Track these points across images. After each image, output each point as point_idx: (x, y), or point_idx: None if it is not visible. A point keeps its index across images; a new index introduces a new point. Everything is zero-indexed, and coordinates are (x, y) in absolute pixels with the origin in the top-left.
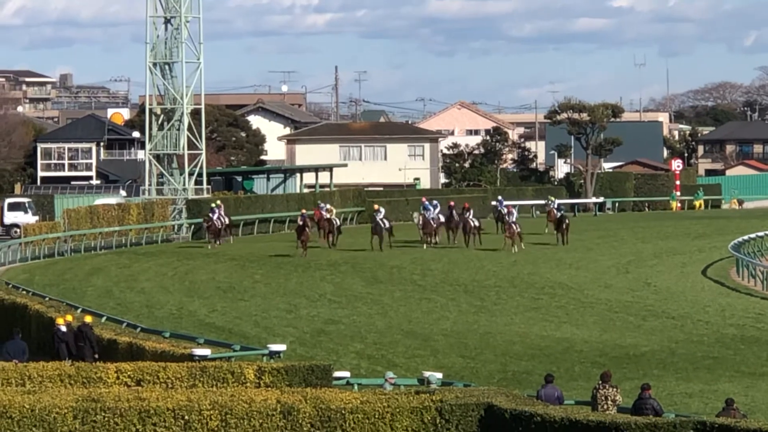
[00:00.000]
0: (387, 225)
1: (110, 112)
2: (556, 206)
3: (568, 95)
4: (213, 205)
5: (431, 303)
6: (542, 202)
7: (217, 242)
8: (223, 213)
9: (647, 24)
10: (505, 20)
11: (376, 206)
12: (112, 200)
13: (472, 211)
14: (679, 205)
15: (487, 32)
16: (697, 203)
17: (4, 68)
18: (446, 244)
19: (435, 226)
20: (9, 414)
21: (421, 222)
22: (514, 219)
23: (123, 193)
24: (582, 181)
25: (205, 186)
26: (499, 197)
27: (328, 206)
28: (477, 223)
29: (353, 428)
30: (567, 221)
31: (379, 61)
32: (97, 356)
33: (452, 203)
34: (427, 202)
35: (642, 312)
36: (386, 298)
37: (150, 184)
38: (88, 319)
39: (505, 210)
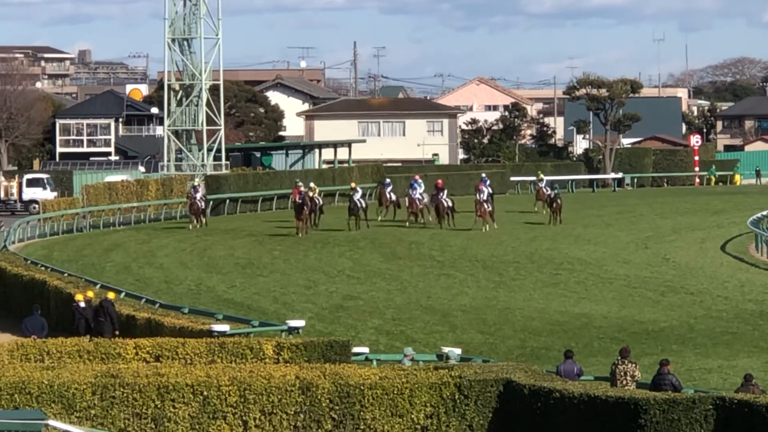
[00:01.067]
0: (363, 205)
1: (129, 88)
2: (545, 184)
3: (587, 71)
4: (195, 183)
5: (450, 279)
6: (563, 177)
7: (198, 223)
8: (202, 195)
9: None
10: None
11: (353, 185)
12: (120, 177)
13: (446, 191)
14: (698, 180)
15: (506, 7)
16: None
17: (23, 44)
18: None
19: (420, 205)
20: (28, 389)
21: (407, 200)
22: (485, 197)
23: (142, 169)
24: (601, 156)
25: (223, 162)
26: (483, 175)
27: (312, 184)
28: (450, 203)
29: (372, 404)
30: (560, 200)
31: (398, 36)
32: (117, 332)
33: (439, 182)
34: (414, 181)
35: (661, 287)
36: (405, 273)
37: (169, 160)
38: (111, 295)
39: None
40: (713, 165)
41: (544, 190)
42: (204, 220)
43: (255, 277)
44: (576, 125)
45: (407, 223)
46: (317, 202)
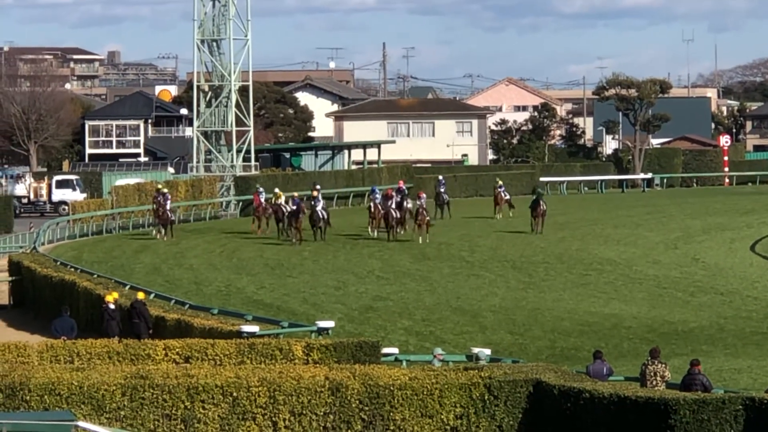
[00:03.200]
0: (325, 216)
1: (158, 89)
2: (503, 189)
3: (617, 71)
4: (161, 188)
5: (479, 279)
6: (592, 178)
7: (166, 234)
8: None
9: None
10: None
11: (315, 193)
12: (132, 180)
13: (394, 200)
14: (728, 180)
15: (536, 8)
16: None
17: (53, 45)
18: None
19: (398, 216)
20: (57, 391)
21: (374, 209)
22: (425, 205)
23: (171, 170)
24: (630, 157)
25: (253, 163)
26: (440, 177)
27: (276, 190)
28: (398, 215)
29: (402, 405)
30: (544, 206)
31: (427, 37)
32: (151, 332)
33: (400, 183)
34: (396, 189)
35: (690, 288)
36: (434, 274)
37: (198, 161)
38: (141, 295)
39: (444, 192)
40: None
41: (502, 195)
42: (171, 233)
43: (284, 278)
44: (605, 125)
45: (388, 236)
46: (284, 210)
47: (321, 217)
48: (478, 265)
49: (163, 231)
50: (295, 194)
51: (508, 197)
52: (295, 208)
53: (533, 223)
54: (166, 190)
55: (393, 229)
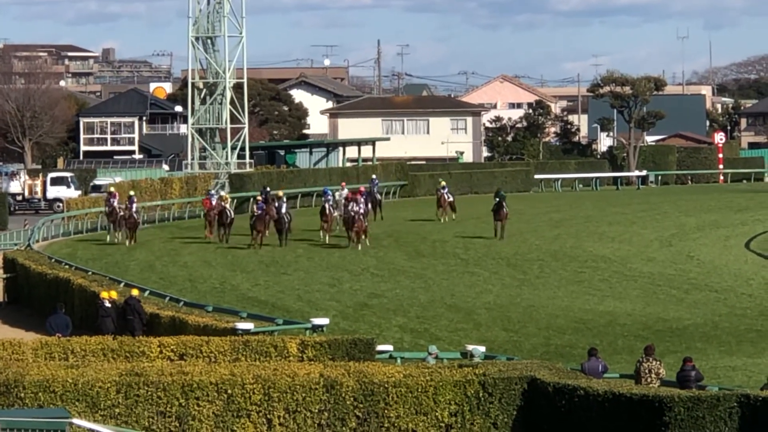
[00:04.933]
0: (289, 218)
1: (153, 86)
2: (446, 191)
3: (611, 68)
4: (111, 189)
5: (474, 276)
6: (587, 175)
7: (129, 237)
8: (117, 203)
9: None
10: None
11: (280, 193)
12: (107, 180)
13: (361, 203)
14: (722, 178)
15: (532, 5)
16: None
17: (48, 42)
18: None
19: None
20: (52, 388)
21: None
22: (362, 210)
23: (166, 167)
24: (625, 154)
25: (247, 160)
26: (373, 176)
27: (223, 194)
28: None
29: (396, 402)
30: (506, 210)
31: (423, 34)
32: (145, 328)
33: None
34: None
35: (685, 285)
36: (429, 271)
37: (192, 159)
38: (135, 292)
39: (377, 192)
40: None
41: (446, 197)
42: (135, 237)
43: (279, 275)
44: (600, 123)
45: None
46: (229, 215)
47: (285, 220)
48: (473, 262)
49: (128, 234)
50: (259, 198)
51: (451, 199)
52: (260, 212)
53: (496, 228)
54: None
55: (357, 235)
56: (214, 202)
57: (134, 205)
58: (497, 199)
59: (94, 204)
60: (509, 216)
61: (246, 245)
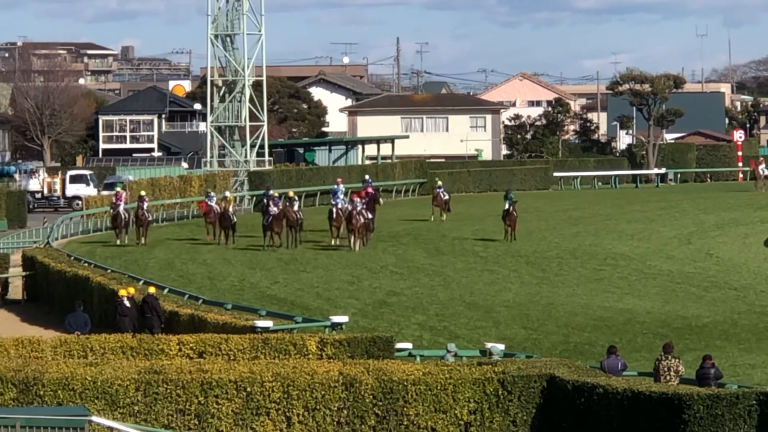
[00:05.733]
0: (300, 218)
1: (172, 84)
2: (442, 190)
3: (631, 66)
4: (119, 189)
5: (493, 274)
6: (606, 173)
7: (142, 236)
8: (124, 206)
9: None
10: None
11: (291, 193)
12: (121, 179)
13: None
14: (741, 176)
15: (551, 3)
16: None
17: (67, 40)
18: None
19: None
20: (71, 386)
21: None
22: (359, 208)
23: (185, 165)
24: (644, 152)
25: (266, 158)
26: (367, 176)
27: (228, 194)
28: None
29: (415, 400)
30: (515, 212)
31: (442, 32)
32: (163, 326)
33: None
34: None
35: (704, 283)
36: (448, 269)
37: (212, 156)
38: (152, 290)
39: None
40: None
41: (441, 195)
42: (146, 236)
43: (298, 273)
44: (619, 121)
45: (333, 241)
46: (232, 218)
47: (297, 219)
48: (492, 260)
49: (142, 235)
50: (275, 193)
51: (447, 197)
52: (276, 212)
53: (506, 231)
54: (143, 193)
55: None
56: (213, 205)
57: (145, 204)
58: (507, 202)
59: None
60: (518, 217)
61: (261, 247)
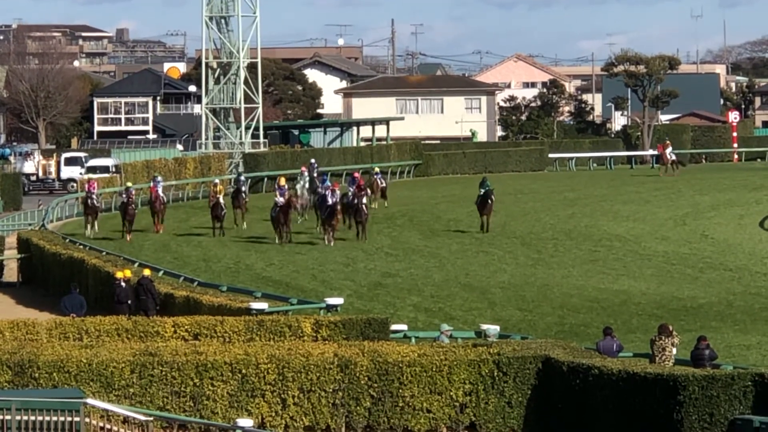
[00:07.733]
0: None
1: (166, 66)
2: (379, 177)
3: (626, 47)
4: (129, 185)
5: (488, 256)
6: (601, 154)
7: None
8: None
9: None
10: None
11: (282, 182)
12: (104, 162)
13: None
14: (737, 156)
15: None
16: None
17: (61, 23)
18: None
19: (302, 201)
20: (67, 368)
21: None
22: (337, 198)
23: (180, 147)
24: (639, 133)
25: (261, 140)
26: (312, 160)
27: (217, 182)
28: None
29: (410, 381)
30: (491, 200)
31: (437, 14)
32: (158, 308)
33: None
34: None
35: (699, 264)
36: (443, 251)
37: (206, 138)
38: (147, 272)
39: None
40: None
41: (379, 182)
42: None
43: (293, 254)
44: (614, 102)
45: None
46: (223, 207)
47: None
48: (487, 241)
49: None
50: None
51: (384, 185)
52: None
53: (482, 222)
54: (129, 185)
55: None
56: (160, 191)
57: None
58: (482, 191)
59: (107, 184)
60: (493, 207)
61: (270, 240)
